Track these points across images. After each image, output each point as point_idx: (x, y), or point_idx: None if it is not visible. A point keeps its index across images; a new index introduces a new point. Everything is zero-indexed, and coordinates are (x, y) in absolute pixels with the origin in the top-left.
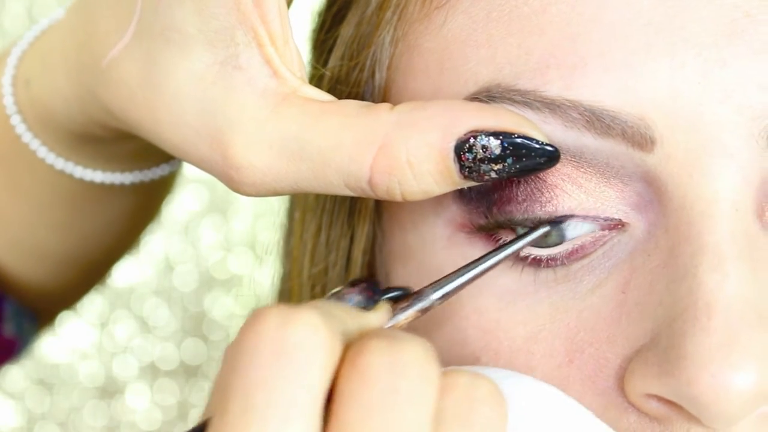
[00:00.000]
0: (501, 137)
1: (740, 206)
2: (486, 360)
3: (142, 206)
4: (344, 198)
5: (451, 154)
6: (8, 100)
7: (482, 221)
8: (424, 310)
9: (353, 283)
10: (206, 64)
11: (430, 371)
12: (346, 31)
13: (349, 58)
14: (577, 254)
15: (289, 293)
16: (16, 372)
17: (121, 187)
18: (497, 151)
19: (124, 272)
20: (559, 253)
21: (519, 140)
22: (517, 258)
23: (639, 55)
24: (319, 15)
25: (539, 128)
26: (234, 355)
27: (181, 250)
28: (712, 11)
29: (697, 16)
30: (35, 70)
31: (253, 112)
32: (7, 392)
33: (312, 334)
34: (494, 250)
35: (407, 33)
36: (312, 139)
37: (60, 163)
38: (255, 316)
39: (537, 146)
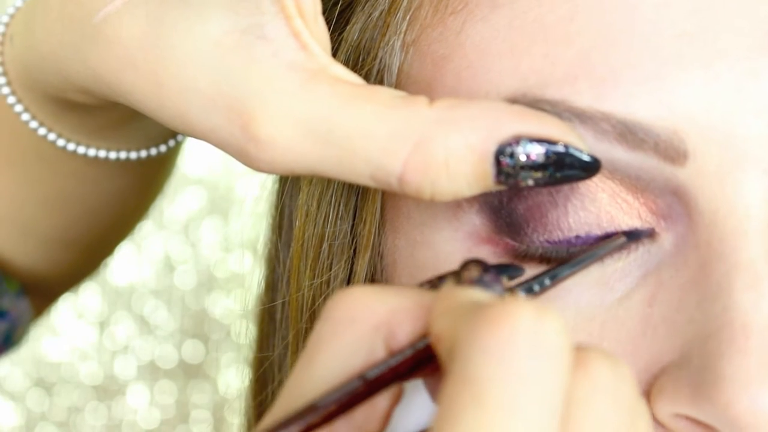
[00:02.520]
0: (545, 144)
1: None
2: None
3: (134, 189)
4: (348, 208)
5: (492, 158)
6: None
7: (522, 245)
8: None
9: (484, 267)
10: (224, 30)
11: (634, 384)
12: (351, 35)
13: (354, 64)
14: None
15: (287, 307)
16: (16, 372)
17: (107, 164)
18: (540, 160)
19: (124, 272)
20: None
21: (563, 149)
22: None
23: (672, 67)
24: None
25: (581, 136)
26: (490, 343)
27: (181, 250)
28: (747, 22)
29: (730, 27)
30: (19, 25)
31: (279, 84)
32: (7, 392)
33: (562, 335)
34: (589, 252)
35: (419, 38)
36: (342, 124)
37: (42, 131)
38: (506, 305)
39: (580, 156)
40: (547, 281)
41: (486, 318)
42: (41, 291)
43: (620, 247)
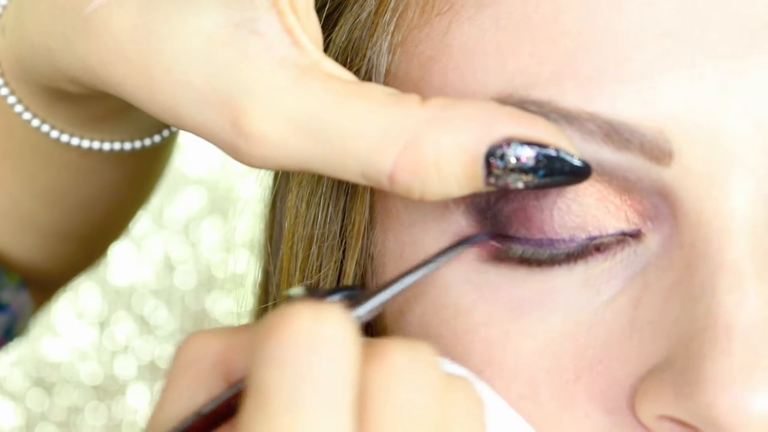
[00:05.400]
0: (536, 148)
1: (758, 223)
2: (489, 374)
3: (129, 181)
4: (337, 210)
5: (482, 160)
6: None
7: (505, 246)
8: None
9: (310, 292)
10: (217, 24)
11: (438, 366)
12: (340, 36)
13: (342, 65)
14: (598, 250)
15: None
16: (16, 372)
17: (101, 156)
18: (530, 163)
19: (124, 272)
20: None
21: (554, 153)
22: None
23: (656, 66)
24: None
25: (573, 141)
26: (270, 350)
27: (181, 250)
28: (731, 21)
29: (715, 27)
30: (11, 16)
31: (271, 80)
32: (7, 392)
33: (345, 329)
34: (430, 259)
35: (406, 39)
36: (334, 121)
37: (36, 123)
38: (284, 312)
39: (570, 161)
40: (379, 299)
41: (265, 327)
42: (41, 284)
43: (458, 253)
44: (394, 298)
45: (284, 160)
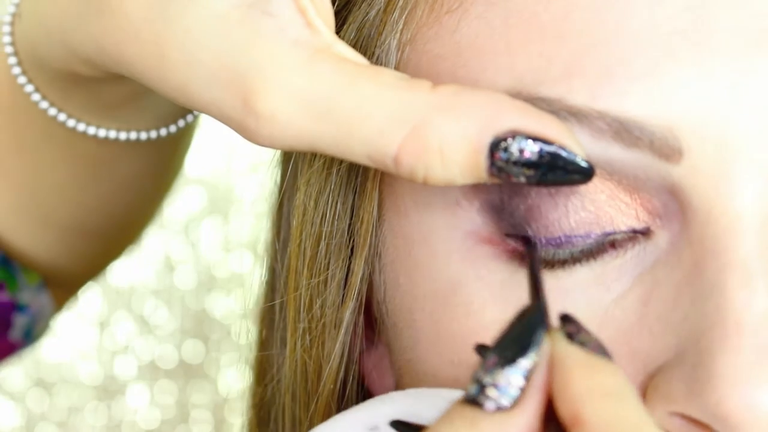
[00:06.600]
0: (540, 144)
1: (767, 220)
2: None
3: (148, 173)
4: (345, 207)
5: (486, 150)
6: (6, 39)
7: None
8: None
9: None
10: (231, 4)
11: None
12: (348, 34)
13: None
14: (612, 247)
15: (285, 306)
16: (16, 372)
17: (119, 146)
18: (533, 158)
19: (124, 272)
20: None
21: (558, 151)
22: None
23: (666, 64)
24: None
25: (579, 141)
26: None
27: (181, 250)
28: (741, 20)
29: (724, 25)
30: (27, 2)
31: (282, 60)
32: (7, 392)
33: None
34: None
35: (415, 37)
36: (343, 103)
37: (53, 111)
38: None
39: (574, 160)
40: None
41: None
42: (62, 283)
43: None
44: None
45: (292, 140)
